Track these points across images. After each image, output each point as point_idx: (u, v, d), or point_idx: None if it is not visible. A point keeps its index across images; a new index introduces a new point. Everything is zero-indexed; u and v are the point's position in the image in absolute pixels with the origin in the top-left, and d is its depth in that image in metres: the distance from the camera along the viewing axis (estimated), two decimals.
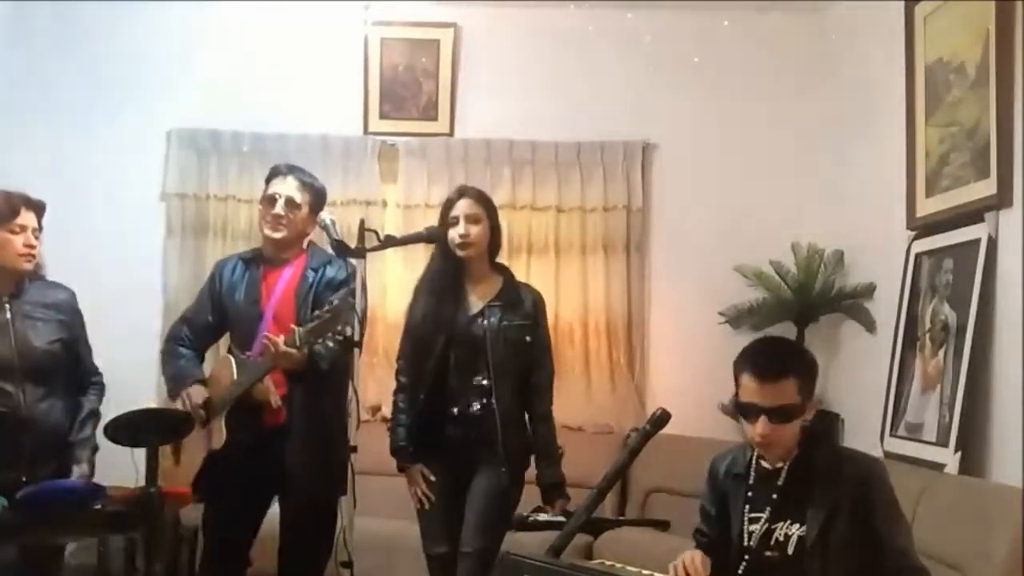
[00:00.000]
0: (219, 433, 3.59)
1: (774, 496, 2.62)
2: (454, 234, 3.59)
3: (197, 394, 3.67)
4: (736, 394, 2.64)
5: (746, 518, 2.65)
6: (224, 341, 4.03)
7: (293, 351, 3.44)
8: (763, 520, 2.61)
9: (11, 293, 3.56)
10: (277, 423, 3.61)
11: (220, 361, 3.79)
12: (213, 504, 3.75)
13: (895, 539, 2.53)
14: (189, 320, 3.90)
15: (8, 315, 3.54)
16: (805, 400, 2.58)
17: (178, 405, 3.68)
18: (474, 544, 3.47)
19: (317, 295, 3.68)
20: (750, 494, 2.66)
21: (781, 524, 2.59)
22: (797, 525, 2.57)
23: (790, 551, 2.56)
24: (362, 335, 3.47)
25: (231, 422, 3.58)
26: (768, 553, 2.59)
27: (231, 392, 3.59)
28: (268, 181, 3.83)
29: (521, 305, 3.64)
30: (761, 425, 2.55)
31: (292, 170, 3.83)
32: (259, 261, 3.83)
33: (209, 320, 3.86)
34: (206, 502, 3.76)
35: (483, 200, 3.69)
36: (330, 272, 3.73)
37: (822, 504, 2.54)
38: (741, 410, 2.60)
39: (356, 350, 3.47)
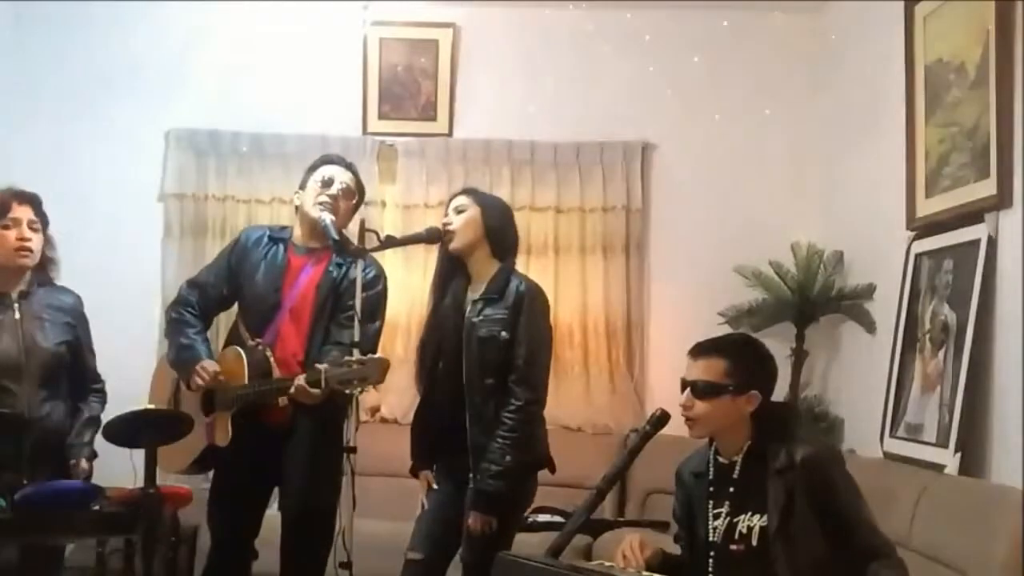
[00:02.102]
0: (224, 429, 3.57)
1: (731, 489, 2.68)
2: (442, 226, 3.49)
3: (212, 365, 3.59)
4: None
5: (710, 514, 2.69)
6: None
7: (316, 392, 3.32)
8: (724, 514, 2.66)
9: (20, 292, 3.56)
10: (282, 420, 3.59)
11: (230, 354, 3.66)
12: (216, 499, 3.74)
13: (860, 515, 2.58)
14: (201, 286, 3.79)
15: (17, 315, 3.53)
16: (738, 386, 2.66)
17: (196, 379, 3.61)
18: (464, 556, 3.38)
19: (339, 295, 3.59)
20: (711, 489, 2.72)
21: (743, 516, 2.64)
22: (758, 516, 2.61)
23: (754, 542, 2.60)
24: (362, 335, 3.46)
25: (236, 417, 3.55)
26: (733, 546, 2.63)
27: (240, 395, 3.55)
28: (316, 167, 3.71)
29: (503, 298, 3.37)
30: (684, 396, 2.69)
31: (349, 164, 3.77)
32: (287, 243, 3.71)
33: (223, 293, 3.76)
34: (211, 499, 3.75)
35: (476, 195, 3.54)
36: (355, 271, 3.52)
37: (780, 493, 2.58)
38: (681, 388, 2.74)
39: (355, 350, 3.46)
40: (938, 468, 3.62)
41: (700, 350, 2.74)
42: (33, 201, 3.59)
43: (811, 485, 2.55)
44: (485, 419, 3.32)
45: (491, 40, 5.53)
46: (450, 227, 3.46)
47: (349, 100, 5.52)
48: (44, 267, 3.66)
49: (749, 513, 2.63)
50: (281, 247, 3.70)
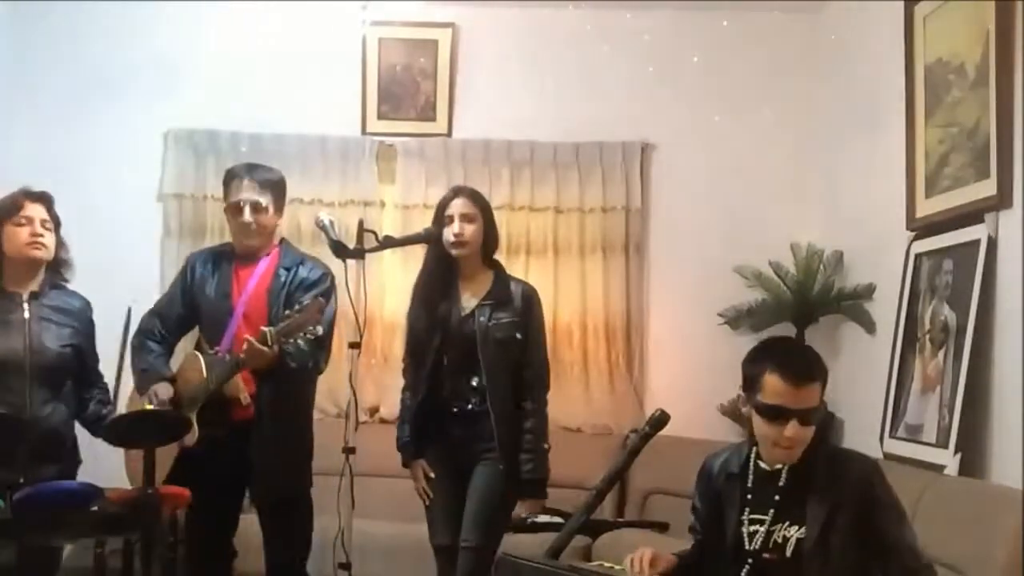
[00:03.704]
0: (192, 429, 3.61)
1: (776, 498, 2.59)
2: (448, 233, 3.62)
3: (164, 391, 3.69)
4: (754, 395, 2.57)
5: (745, 519, 2.62)
6: (193, 334, 4.05)
7: (265, 350, 3.47)
8: (764, 522, 2.59)
9: (32, 293, 3.60)
10: (247, 418, 3.66)
11: (188, 358, 3.81)
12: (193, 500, 3.77)
13: (903, 538, 2.53)
14: (160, 313, 3.92)
15: (26, 314, 3.58)
16: (822, 402, 2.60)
17: (146, 402, 3.70)
18: (471, 539, 3.50)
19: (290, 295, 3.72)
20: (749, 496, 2.64)
21: (780, 526, 2.58)
22: (796, 527, 2.55)
23: (788, 553, 2.54)
24: (361, 336, 3.52)
25: (201, 418, 3.63)
26: (766, 555, 2.57)
27: (202, 391, 3.64)
28: (227, 185, 3.84)
29: (510, 302, 3.64)
30: (792, 428, 2.51)
31: (249, 171, 3.85)
32: (231, 256, 3.86)
33: (180, 313, 3.89)
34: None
35: (478, 199, 3.71)
36: (303, 272, 3.78)
37: (822, 505, 2.52)
38: (767, 412, 2.54)
39: (355, 351, 3.50)
40: (938, 469, 3.62)
41: (805, 376, 2.55)
42: (45, 200, 3.66)
43: (854, 500, 2.50)
44: (507, 414, 3.57)
45: (490, 40, 5.52)
46: (463, 238, 3.61)
47: (348, 100, 5.51)
48: (58, 268, 3.71)
49: (787, 523, 2.56)
50: (225, 261, 3.86)
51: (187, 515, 3.83)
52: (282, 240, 3.92)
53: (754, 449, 2.67)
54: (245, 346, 3.50)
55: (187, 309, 3.88)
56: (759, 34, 5.42)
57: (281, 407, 3.67)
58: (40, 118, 5.39)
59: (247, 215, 3.76)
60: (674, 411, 2.69)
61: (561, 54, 5.49)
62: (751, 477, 2.65)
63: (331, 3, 5.44)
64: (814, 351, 2.76)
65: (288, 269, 3.78)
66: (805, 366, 2.57)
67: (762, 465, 2.65)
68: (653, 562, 2.61)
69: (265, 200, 3.79)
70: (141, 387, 3.79)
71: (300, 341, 3.49)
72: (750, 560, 2.58)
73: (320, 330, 3.47)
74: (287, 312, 3.50)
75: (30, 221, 3.58)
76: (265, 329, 3.48)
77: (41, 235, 3.60)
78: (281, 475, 3.65)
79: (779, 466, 2.60)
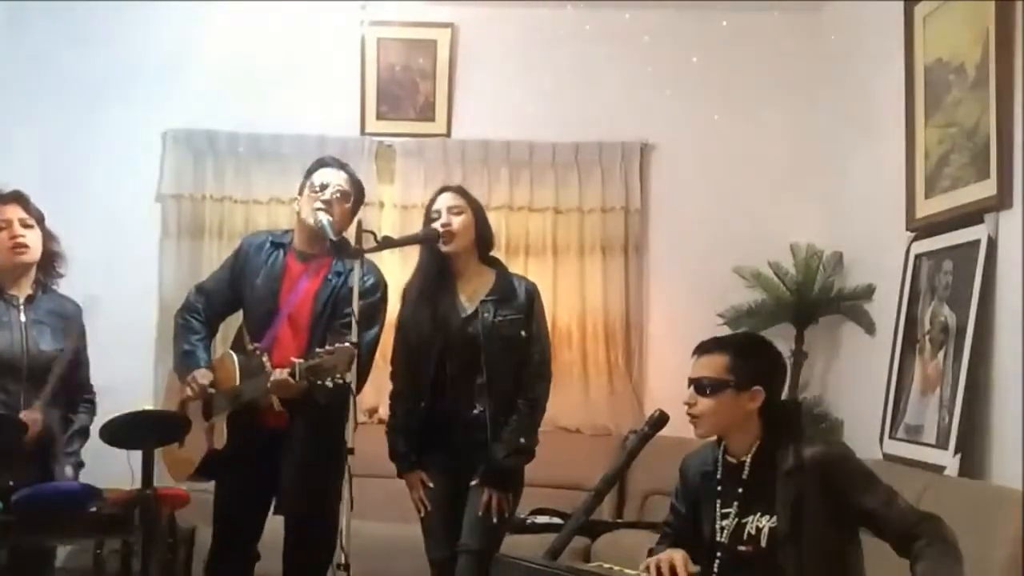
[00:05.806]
0: (220, 432, 3.58)
1: (740, 490, 2.64)
2: (437, 227, 3.51)
3: (203, 375, 3.62)
4: None
5: (717, 514, 2.66)
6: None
7: (291, 383, 3.37)
8: (732, 514, 2.62)
9: (28, 296, 3.59)
10: (279, 425, 3.60)
11: (224, 357, 3.71)
12: (218, 502, 3.74)
13: (888, 504, 2.52)
14: (206, 292, 3.82)
15: (22, 317, 3.57)
16: (741, 383, 2.63)
17: (187, 389, 3.64)
18: (471, 544, 3.41)
19: (337, 302, 3.59)
20: (719, 489, 2.69)
21: (751, 517, 2.60)
22: (767, 517, 2.58)
23: (763, 544, 2.57)
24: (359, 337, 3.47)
25: (232, 421, 3.56)
26: (742, 547, 2.60)
27: (230, 399, 3.56)
28: (312, 172, 3.70)
29: (515, 298, 3.53)
30: (687, 394, 2.68)
31: (344, 165, 3.75)
32: (288, 248, 3.72)
33: (226, 296, 3.78)
34: (214, 502, 3.75)
35: (465, 194, 3.62)
36: (354, 279, 3.54)
37: (789, 493, 2.53)
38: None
39: (354, 352, 3.46)
40: (938, 469, 3.62)
41: (703, 347, 2.74)
42: (19, 199, 3.60)
43: (822, 487, 2.51)
44: (504, 414, 3.45)
45: (489, 40, 5.52)
46: (451, 228, 3.50)
47: (347, 100, 5.51)
48: (51, 263, 3.69)
49: (758, 514, 2.59)
50: (281, 253, 3.72)
51: (213, 518, 3.74)
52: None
53: (722, 444, 2.72)
54: (273, 376, 3.40)
55: (233, 293, 3.76)
56: (759, 34, 5.41)
57: (313, 423, 3.55)
58: (38, 119, 5.38)
59: (329, 193, 3.61)
60: (673, 411, 2.69)
61: (561, 54, 5.49)
62: (720, 471, 2.70)
63: (330, 3, 5.44)
64: (742, 334, 2.88)
65: (339, 274, 3.61)
66: (707, 339, 2.77)
67: (729, 459, 2.70)
68: (675, 570, 2.58)
69: (351, 191, 3.68)
70: (180, 370, 3.71)
71: (328, 382, 3.34)
72: (719, 553, 2.61)
73: (349, 377, 3.31)
74: (318, 350, 3.34)
75: (8, 224, 3.53)
76: (295, 361, 3.36)
77: (22, 236, 3.54)
78: (309, 492, 3.54)
79: (744, 458, 2.65)
